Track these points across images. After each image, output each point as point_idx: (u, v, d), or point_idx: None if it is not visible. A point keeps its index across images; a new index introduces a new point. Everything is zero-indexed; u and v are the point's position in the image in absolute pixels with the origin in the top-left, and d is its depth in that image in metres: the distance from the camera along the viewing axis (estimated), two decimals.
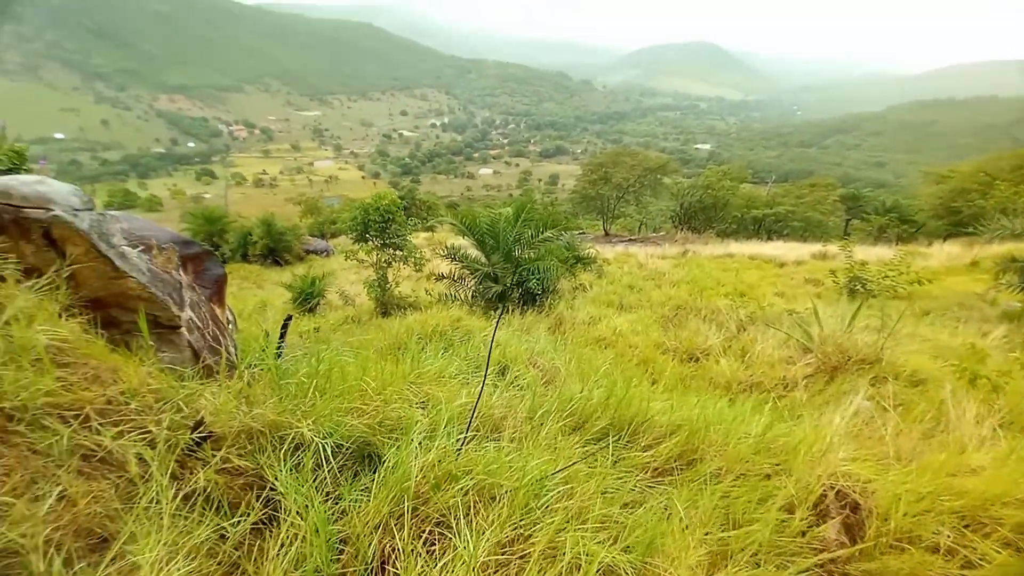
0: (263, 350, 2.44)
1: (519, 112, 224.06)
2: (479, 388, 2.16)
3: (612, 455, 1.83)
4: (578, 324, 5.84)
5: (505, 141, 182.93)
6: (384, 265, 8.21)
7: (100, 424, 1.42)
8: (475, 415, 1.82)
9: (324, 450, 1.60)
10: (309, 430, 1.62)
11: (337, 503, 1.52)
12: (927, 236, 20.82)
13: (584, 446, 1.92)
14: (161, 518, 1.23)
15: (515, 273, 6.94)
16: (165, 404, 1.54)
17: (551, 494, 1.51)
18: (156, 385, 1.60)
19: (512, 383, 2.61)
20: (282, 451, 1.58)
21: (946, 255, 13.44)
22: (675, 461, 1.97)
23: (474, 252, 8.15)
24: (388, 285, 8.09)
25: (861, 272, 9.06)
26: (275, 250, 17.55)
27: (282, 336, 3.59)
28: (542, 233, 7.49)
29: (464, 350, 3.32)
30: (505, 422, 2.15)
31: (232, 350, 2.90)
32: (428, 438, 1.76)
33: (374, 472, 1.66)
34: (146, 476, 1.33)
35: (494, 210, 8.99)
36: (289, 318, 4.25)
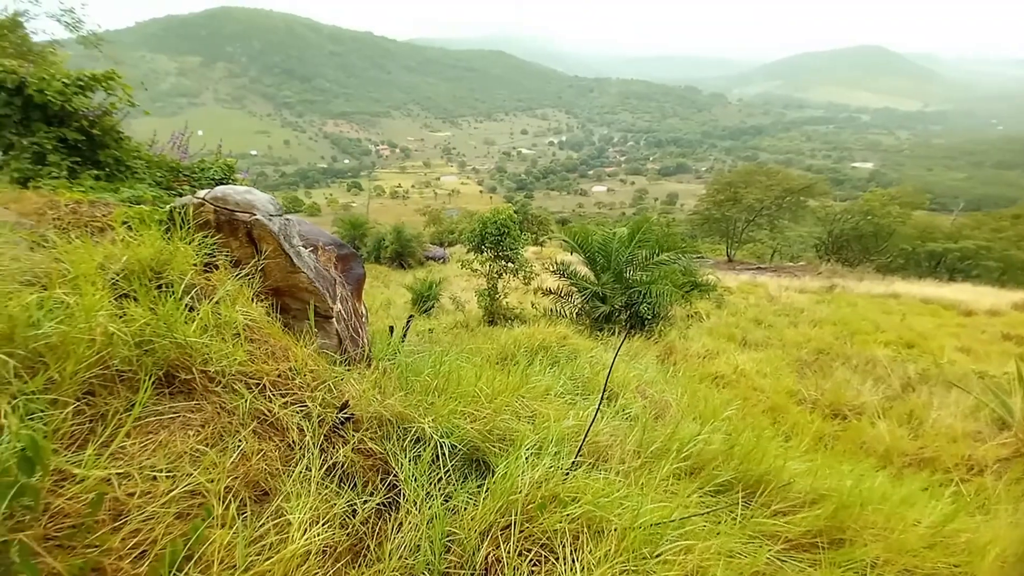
0: (392, 346, 2.70)
1: (639, 129, 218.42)
2: (588, 412, 2.10)
3: (738, 514, 1.62)
4: (691, 356, 5.38)
5: (622, 158, 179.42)
6: (495, 276, 8.58)
7: (272, 394, 1.70)
8: (585, 441, 1.77)
9: (441, 447, 1.70)
10: (429, 427, 1.73)
11: (447, 501, 1.59)
12: None
13: (702, 496, 1.74)
14: (309, 484, 1.42)
15: (625, 295, 6.70)
16: (320, 384, 1.79)
17: (667, 544, 1.38)
18: (314, 366, 1.87)
19: (620, 411, 2.49)
20: (405, 442, 1.72)
21: None
22: (817, 536, 1.67)
23: (583, 270, 8.08)
24: (497, 295, 8.43)
25: None
26: (402, 254, 19.58)
27: (404, 334, 3.96)
28: (657, 255, 7.12)
29: (570, 369, 3.28)
30: (611, 451, 2.06)
31: (367, 340, 3.28)
32: (535, 455, 1.76)
33: (482, 478, 1.71)
34: (301, 444, 1.55)
35: (607, 228, 8.84)
36: (411, 318, 4.66)
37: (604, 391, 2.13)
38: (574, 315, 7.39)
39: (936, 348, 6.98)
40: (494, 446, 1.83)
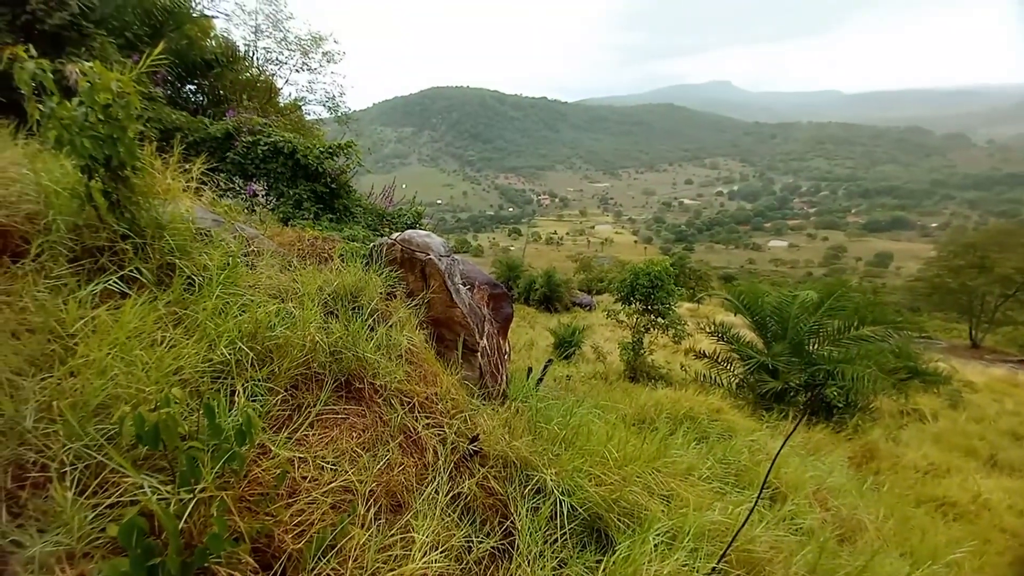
0: (527, 387, 2.74)
1: (837, 177, 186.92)
2: (741, 508, 1.75)
3: None
4: (904, 467, 4.07)
5: (811, 210, 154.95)
6: (642, 330, 8.12)
7: (419, 414, 1.88)
8: (732, 545, 1.47)
9: (561, 505, 1.61)
10: (552, 480, 1.67)
11: (561, 567, 1.48)
12: None
13: None
14: (435, 508, 1.50)
15: (805, 372, 5.54)
16: (458, 412, 1.91)
17: None
18: (455, 395, 2.02)
19: (787, 518, 2.00)
20: (526, 489, 1.69)
21: None
22: None
23: (749, 335, 7.05)
24: (642, 351, 7.93)
25: None
26: (550, 298, 20.26)
27: (541, 377, 4.00)
28: (856, 328, 5.76)
29: (722, 450, 2.81)
30: (771, 568, 1.65)
31: (505, 378, 3.41)
32: (666, 544, 1.53)
33: (601, 552, 1.55)
34: (435, 467, 1.66)
35: (785, 289, 7.60)
36: (549, 362, 4.70)
37: (764, 486, 1.75)
38: (733, 386, 6.41)
39: None
40: (619, 519, 1.66)
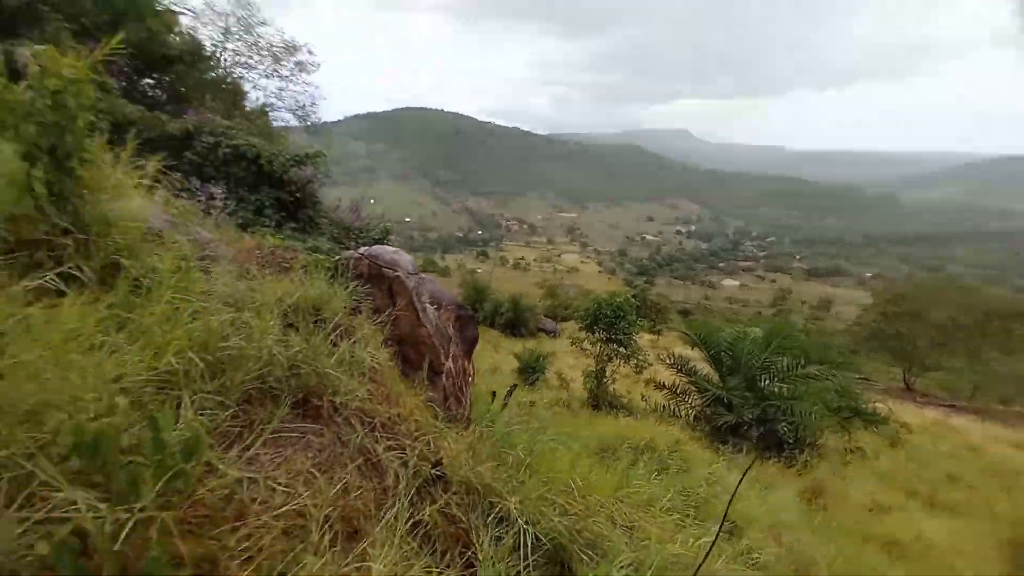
0: (491, 412, 2.69)
1: (783, 225, 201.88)
2: (700, 541, 1.76)
3: None
4: (851, 505, 4.25)
5: (761, 254, 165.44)
6: (605, 359, 8.24)
7: (380, 435, 1.80)
8: None
9: (524, 535, 1.57)
10: (516, 508, 1.63)
11: None
12: None
13: None
14: (394, 535, 1.41)
15: (758, 407, 5.77)
16: (421, 435, 1.84)
17: None
18: (419, 417, 1.95)
19: (744, 553, 2.03)
20: (489, 518, 1.63)
21: None
22: None
23: (705, 368, 7.30)
24: (605, 379, 8.03)
25: None
26: (515, 323, 20.28)
27: (505, 402, 3.95)
28: (802, 367, 6.10)
29: (682, 482, 2.85)
30: None
31: (469, 402, 3.34)
32: None
33: None
34: (395, 492, 1.58)
35: (737, 326, 7.98)
36: (514, 387, 4.66)
37: (724, 520, 1.77)
38: (691, 418, 6.58)
39: None
40: (582, 551, 1.63)
